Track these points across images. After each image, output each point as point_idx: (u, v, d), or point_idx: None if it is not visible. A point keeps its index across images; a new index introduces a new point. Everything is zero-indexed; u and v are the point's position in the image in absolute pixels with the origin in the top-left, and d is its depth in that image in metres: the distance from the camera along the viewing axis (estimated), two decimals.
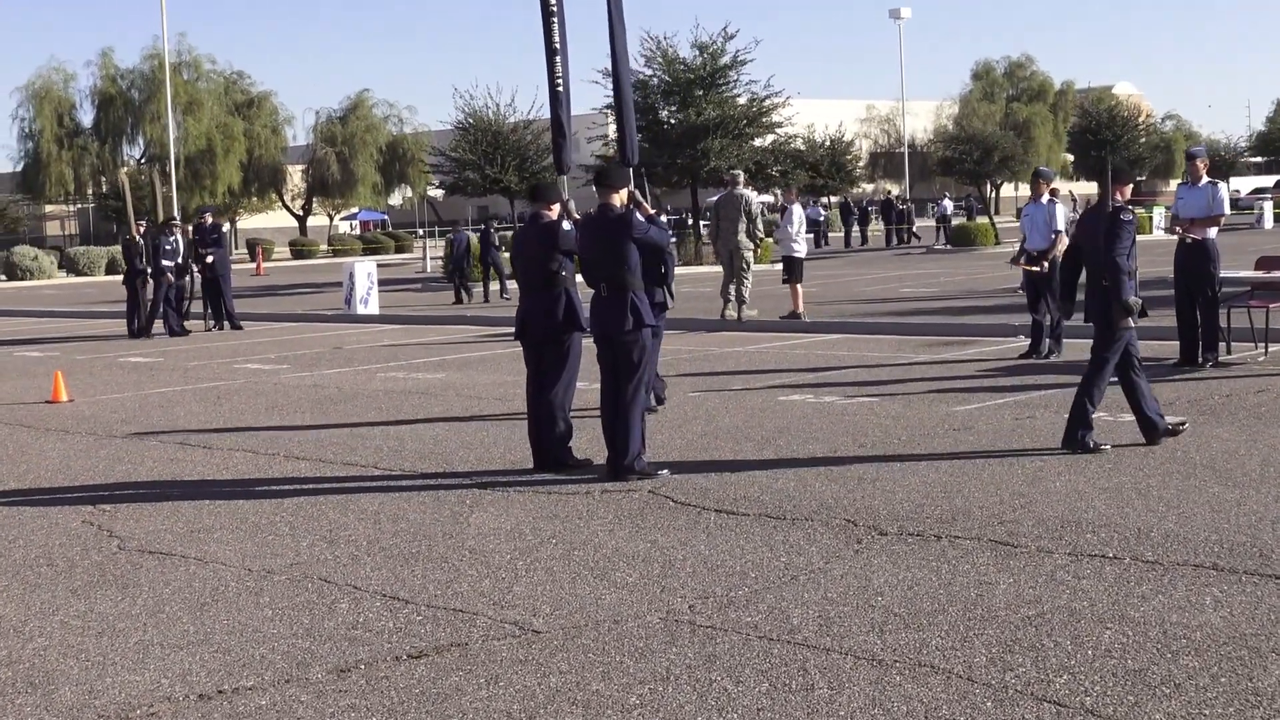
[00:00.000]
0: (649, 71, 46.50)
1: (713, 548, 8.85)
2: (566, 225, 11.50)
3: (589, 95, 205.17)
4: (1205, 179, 15.97)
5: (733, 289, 23.07)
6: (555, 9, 12.75)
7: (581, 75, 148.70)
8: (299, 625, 7.57)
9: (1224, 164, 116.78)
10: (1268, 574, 7.70)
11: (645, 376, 11.17)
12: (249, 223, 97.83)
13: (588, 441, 12.07)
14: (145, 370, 21.02)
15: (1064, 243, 28.49)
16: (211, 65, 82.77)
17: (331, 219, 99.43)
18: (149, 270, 27.38)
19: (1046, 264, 17.29)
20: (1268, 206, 62.30)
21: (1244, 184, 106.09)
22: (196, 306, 28.80)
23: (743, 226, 22.98)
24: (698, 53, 46.13)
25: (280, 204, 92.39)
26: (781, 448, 12.18)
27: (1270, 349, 16.68)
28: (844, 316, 23.97)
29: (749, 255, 23.21)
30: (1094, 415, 11.56)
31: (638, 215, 11.15)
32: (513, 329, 12.13)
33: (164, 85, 67.85)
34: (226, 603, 8.09)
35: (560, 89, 12.74)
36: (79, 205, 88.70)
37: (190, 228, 29.99)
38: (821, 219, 67.45)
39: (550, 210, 11.65)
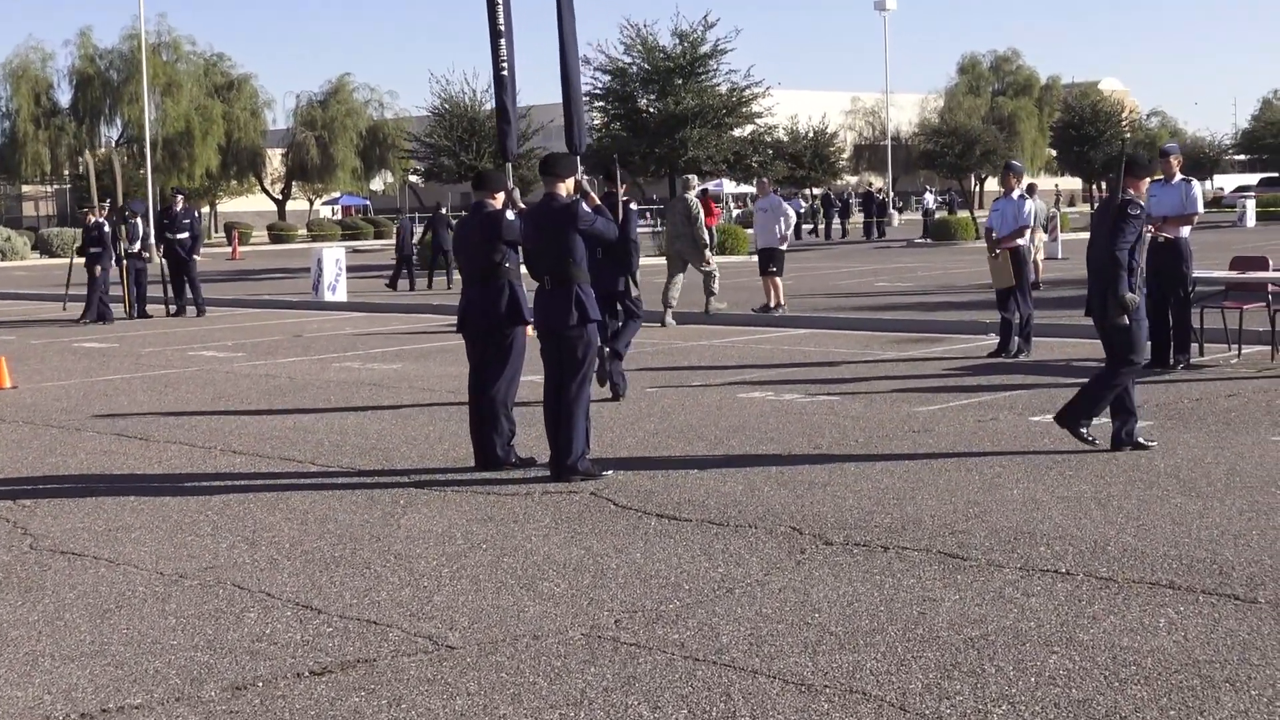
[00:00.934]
0: (628, 59, 46.03)
1: (649, 556, 8.43)
2: (510, 215, 11.06)
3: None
4: (1178, 176, 15.56)
5: (675, 294, 22.49)
6: None
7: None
8: (201, 636, 7.14)
9: (1208, 161, 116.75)
10: (1226, 593, 7.30)
11: (589, 374, 10.74)
12: (228, 206, 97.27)
13: (535, 439, 11.63)
14: (98, 356, 20.54)
15: (1040, 236, 28.26)
16: (191, 47, 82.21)
17: (311, 203, 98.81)
18: (105, 253, 26.86)
19: (998, 252, 16.89)
20: (1250, 204, 62.02)
21: (1228, 182, 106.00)
22: (157, 290, 28.31)
23: (689, 232, 22.45)
24: (678, 41, 45.65)
25: (260, 188, 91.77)
26: (734, 448, 11.77)
27: (1244, 351, 16.30)
28: (815, 310, 23.56)
29: (707, 254, 22.68)
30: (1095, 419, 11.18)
31: (584, 206, 10.71)
32: None
33: (138, 66, 67.18)
34: (130, 610, 7.65)
35: (505, 73, 12.33)
36: (56, 186, 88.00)
37: (160, 210, 29.44)
38: (802, 211, 66.91)
39: (494, 199, 11.22)
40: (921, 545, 8.45)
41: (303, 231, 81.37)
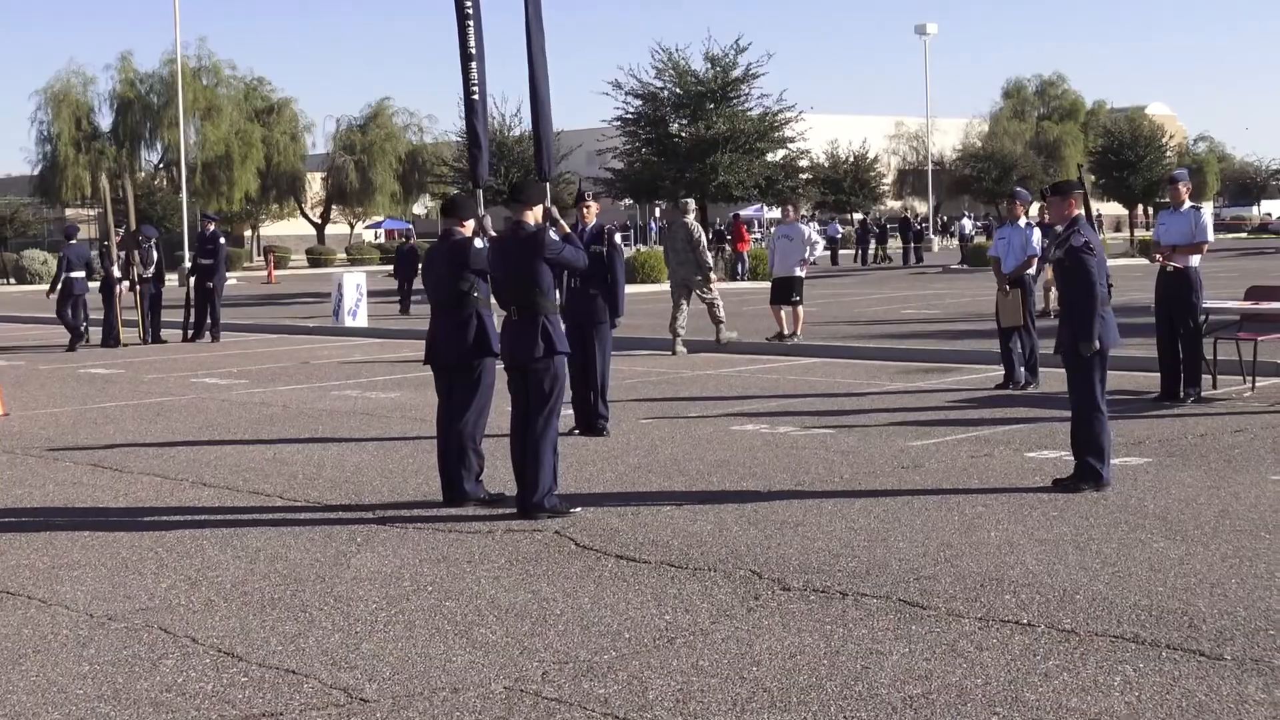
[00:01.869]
0: (659, 83, 45.76)
1: (597, 601, 8.07)
2: (479, 243, 10.74)
3: (600, 108, 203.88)
4: (1187, 204, 15.12)
5: (682, 321, 22.06)
6: (471, 12, 12.00)
7: (592, 87, 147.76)
8: (110, 685, 6.81)
9: (1255, 187, 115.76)
10: (1190, 649, 6.88)
11: (557, 407, 10.38)
12: (270, 230, 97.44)
13: (508, 473, 11.26)
14: (100, 383, 20.32)
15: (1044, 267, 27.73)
16: (232, 71, 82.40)
17: (352, 227, 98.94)
18: (120, 278, 26.72)
19: (1008, 288, 16.47)
20: None
21: (1275, 207, 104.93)
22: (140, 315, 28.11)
23: (691, 258, 22.01)
24: (709, 65, 45.34)
25: (299, 211, 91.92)
26: (713, 484, 11.40)
27: (1259, 384, 15.81)
28: (831, 339, 23.11)
29: (708, 280, 22.24)
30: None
31: (551, 234, 10.37)
32: None
33: (180, 90, 67.35)
34: (47, 655, 7.34)
35: (476, 97, 11.99)
36: (97, 210, 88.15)
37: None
38: (838, 237, 66.56)
39: (464, 226, 10.90)
40: (882, 592, 8.07)
41: (342, 255, 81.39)
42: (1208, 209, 18.44)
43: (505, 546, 9.47)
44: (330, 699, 6.56)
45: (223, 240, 28.22)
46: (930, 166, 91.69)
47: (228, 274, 34.68)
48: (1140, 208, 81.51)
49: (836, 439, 13.43)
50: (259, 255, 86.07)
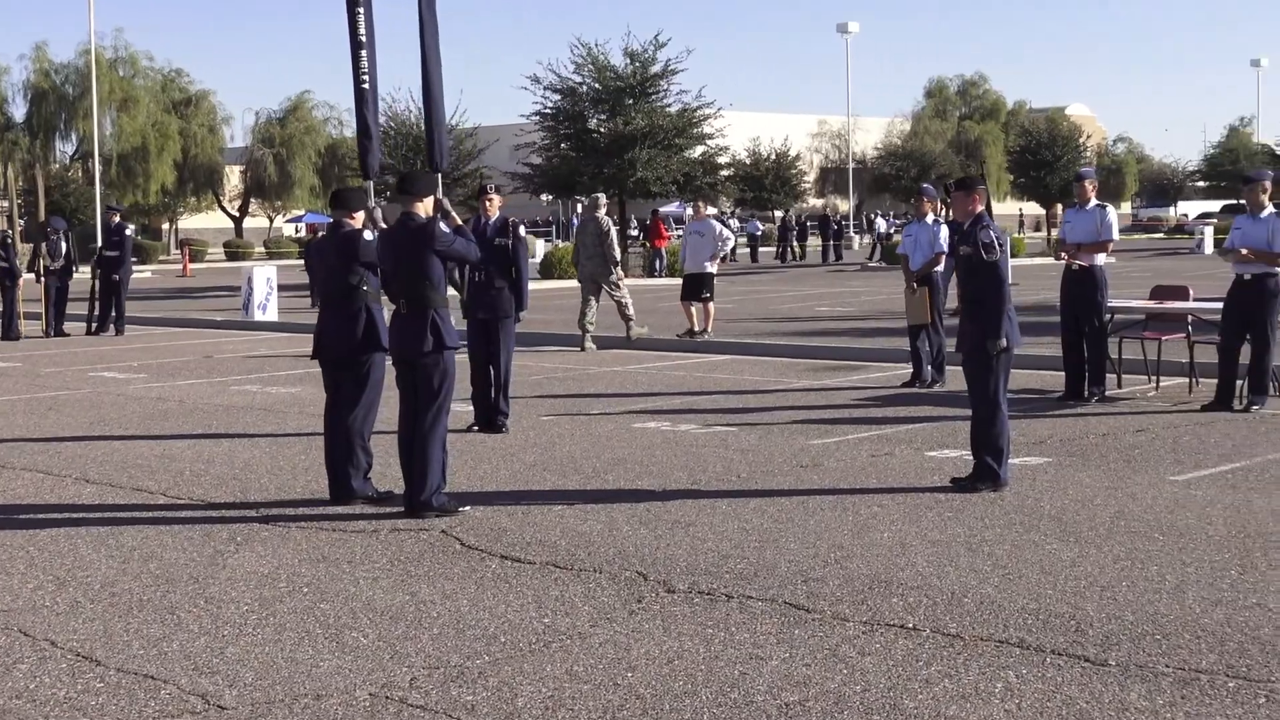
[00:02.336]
0: (578, 79, 45.50)
1: (476, 603, 7.85)
2: (368, 235, 10.48)
3: (519, 103, 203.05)
4: (1093, 202, 15.04)
5: (591, 317, 21.88)
6: (361, 0, 11.71)
7: (512, 81, 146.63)
8: None
9: (1171, 188, 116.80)
10: (1075, 654, 6.73)
11: (446, 404, 10.14)
12: (188, 223, 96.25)
13: (398, 471, 11.01)
14: None
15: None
16: (149, 62, 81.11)
17: (271, 221, 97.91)
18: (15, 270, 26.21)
19: (916, 285, 16.37)
20: (1208, 232, 61.63)
21: (1192, 208, 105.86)
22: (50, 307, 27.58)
23: (600, 252, 21.84)
24: (628, 60, 45.14)
25: (218, 205, 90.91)
26: (608, 482, 11.19)
27: (1163, 383, 15.78)
28: (742, 336, 22.95)
29: (616, 276, 22.06)
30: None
31: (442, 226, 10.13)
32: None
33: (95, 81, 66.40)
34: None
35: (366, 86, 11.69)
36: (7, 202, 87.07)
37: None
38: (759, 234, 66.50)
39: (353, 219, 10.64)
40: (768, 594, 7.88)
41: (260, 249, 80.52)
42: (1114, 208, 18.38)
43: (388, 546, 9.23)
44: (186, 706, 6.30)
45: (129, 232, 27.73)
46: (852, 165, 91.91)
47: (144, 267, 34.13)
48: (1059, 207, 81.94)
49: (737, 437, 13.26)
50: (176, 248, 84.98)
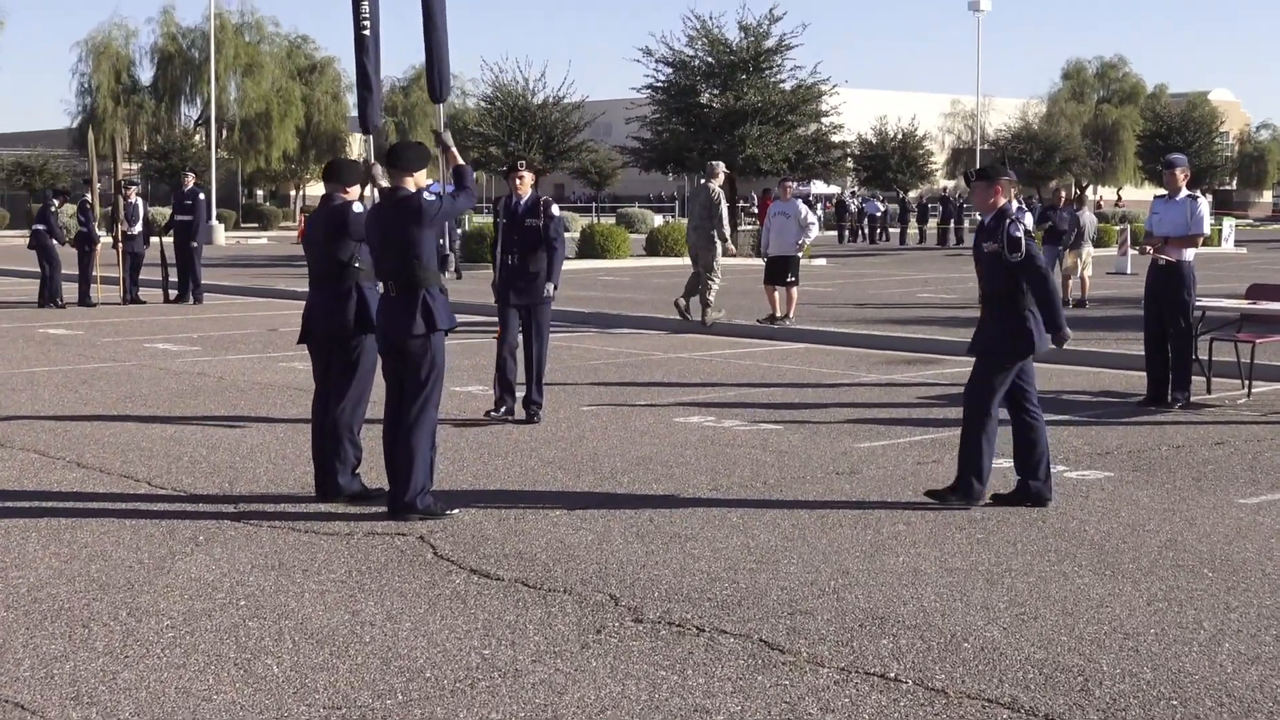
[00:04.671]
0: (691, 52, 44.55)
1: (417, 628, 7.04)
2: (358, 208, 9.70)
3: (629, 75, 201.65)
4: (1184, 192, 13.89)
5: (713, 291, 21.11)
6: None
7: (623, 54, 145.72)
8: None
9: None
10: None
11: (434, 395, 9.32)
12: (313, 190, 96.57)
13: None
14: (49, 345, 19.42)
15: (1088, 250, 26.50)
16: (275, 28, 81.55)
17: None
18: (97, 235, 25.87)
19: None
20: None
21: None
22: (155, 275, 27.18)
23: (707, 225, 21.03)
24: (742, 34, 44.09)
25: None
26: (621, 484, 10.34)
27: (1256, 389, 14.59)
28: (825, 323, 21.93)
29: (716, 254, 21.21)
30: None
31: (426, 195, 9.29)
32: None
33: (218, 46, 66.59)
34: None
35: (367, 33, 10.76)
36: (134, 165, 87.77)
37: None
38: (878, 214, 65.12)
39: (346, 192, 9.87)
40: (745, 629, 6.99)
41: None
42: (1206, 199, 17.29)
43: (355, 553, 8.46)
44: None
45: (203, 196, 27.21)
46: (983, 146, 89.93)
47: (263, 233, 33.69)
48: None
49: (780, 436, 12.34)
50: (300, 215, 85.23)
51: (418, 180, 9.39)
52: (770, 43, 44.06)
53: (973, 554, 8.42)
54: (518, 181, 12.95)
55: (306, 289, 10.32)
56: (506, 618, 7.20)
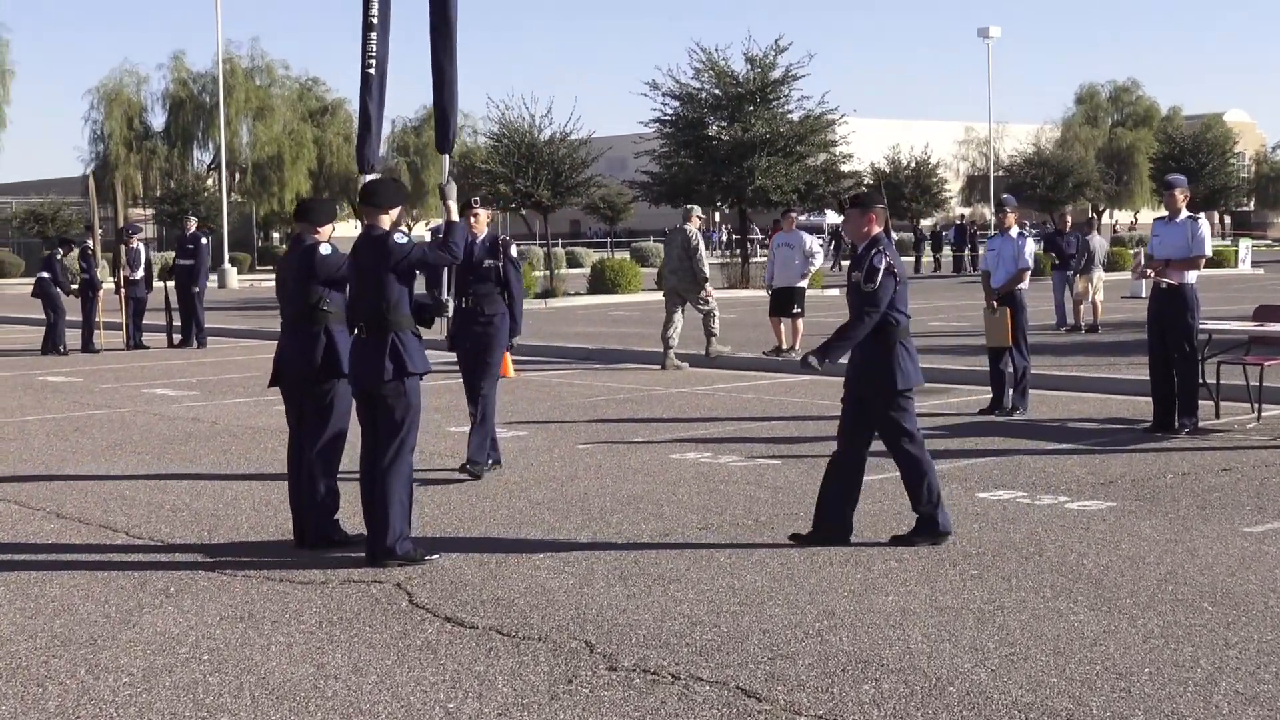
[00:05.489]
0: (698, 84, 44.34)
1: (383, 681, 6.78)
2: (325, 249, 9.47)
3: (637, 109, 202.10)
4: (1184, 213, 13.62)
5: (674, 334, 20.76)
6: None
7: (630, 87, 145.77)
8: None
9: None
10: None
11: (409, 439, 9.08)
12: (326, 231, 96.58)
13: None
14: (45, 393, 19.23)
15: (1099, 274, 26.20)
16: (285, 71, 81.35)
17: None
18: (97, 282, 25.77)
19: (996, 305, 15.05)
20: None
21: None
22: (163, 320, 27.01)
23: (687, 266, 20.71)
24: (748, 65, 43.89)
25: (353, 213, 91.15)
26: (608, 525, 10.08)
27: (1266, 413, 14.28)
28: None
29: (705, 292, 20.89)
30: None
31: (395, 238, 9.06)
32: None
33: (229, 90, 66.69)
34: None
35: (372, 71, 10.49)
36: (148, 210, 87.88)
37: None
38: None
39: (317, 233, 9.64)
40: (722, 676, 6.72)
41: None
42: (1208, 221, 17.04)
43: (328, 602, 8.21)
44: None
45: (205, 241, 27.09)
46: (997, 173, 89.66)
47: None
48: (1201, 215, 79.15)
49: (778, 472, 12.08)
50: None
51: (392, 218, 9.16)
52: (777, 73, 43.78)
53: (965, 591, 8.14)
54: (472, 220, 12.03)
55: None
56: (476, 668, 6.94)
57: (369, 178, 10.18)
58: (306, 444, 9.57)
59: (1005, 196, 16.10)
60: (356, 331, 9.11)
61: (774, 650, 7.10)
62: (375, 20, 10.72)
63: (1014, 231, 15.30)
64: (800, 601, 7.99)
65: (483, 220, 12.06)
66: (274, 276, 10.91)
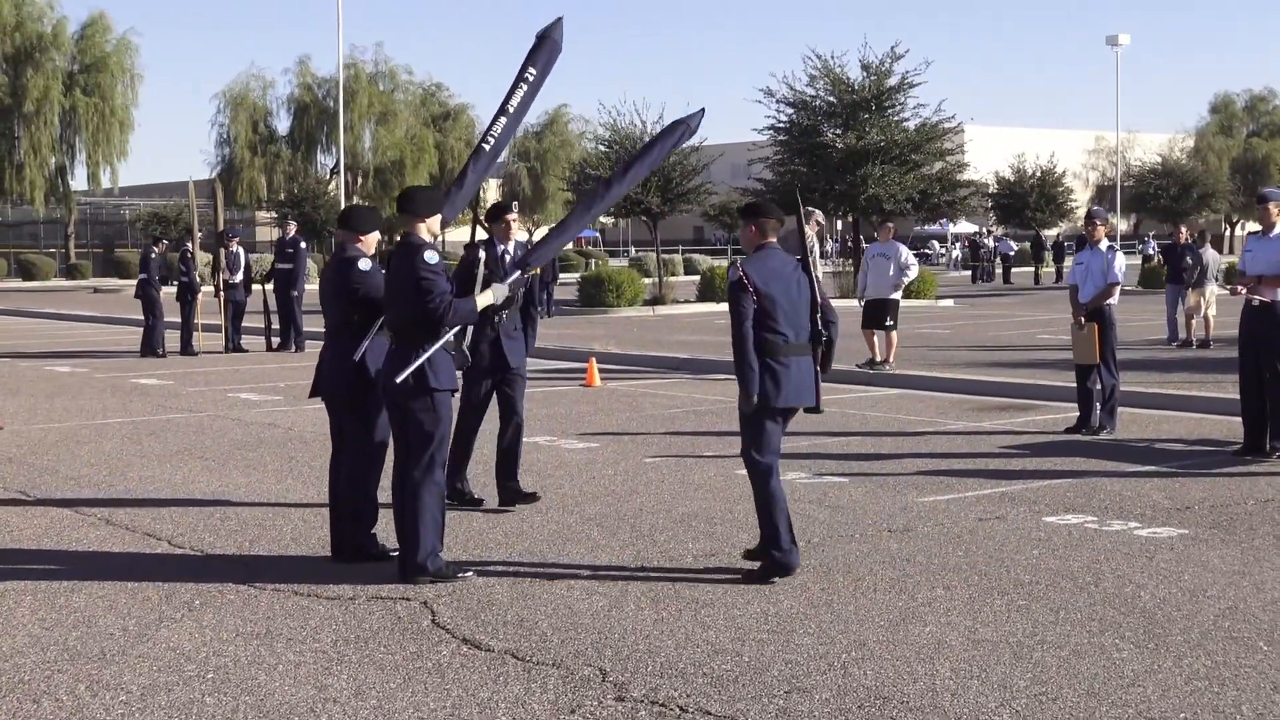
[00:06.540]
0: (812, 91, 43.92)
1: (384, 704, 6.56)
2: (365, 264, 9.25)
3: (750, 116, 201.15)
4: (1279, 228, 13.06)
5: None
6: (529, 79, 10.44)
7: (743, 95, 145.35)
8: None
9: None
10: None
11: (440, 454, 8.85)
12: (449, 235, 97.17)
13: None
14: (134, 395, 19.30)
15: (1212, 289, 25.43)
16: (408, 76, 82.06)
17: (530, 234, 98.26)
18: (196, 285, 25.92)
19: (1084, 320, 14.55)
20: None
21: None
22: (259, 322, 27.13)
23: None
24: (864, 73, 43.39)
25: (474, 218, 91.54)
26: (655, 543, 9.79)
27: None
28: (925, 368, 21.15)
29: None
30: None
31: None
32: None
33: (352, 95, 67.21)
34: None
35: (486, 148, 10.40)
36: (272, 214, 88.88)
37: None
38: (1012, 254, 63.91)
39: (361, 241, 9.42)
40: (733, 710, 6.43)
41: None
42: None
43: (350, 619, 8.00)
44: None
45: (304, 245, 27.15)
46: (1127, 183, 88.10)
47: None
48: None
49: (842, 490, 11.72)
50: None
51: (432, 228, 8.97)
52: (893, 81, 43.28)
53: (1008, 623, 7.76)
54: (504, 226, 11.23)
55: None
56: (481, 694, 6.70)
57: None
58: (345, 456, 9.38)
59: (1094, 208, 15.54)
60: (390, 340, 8.93)
61: (791, 683, 6.78)
62: (511, 109, 10.64)
63: (1104, 245, 14.79)
64: (833, 630, 7.66)
65: (513, 228, 11.46)
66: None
